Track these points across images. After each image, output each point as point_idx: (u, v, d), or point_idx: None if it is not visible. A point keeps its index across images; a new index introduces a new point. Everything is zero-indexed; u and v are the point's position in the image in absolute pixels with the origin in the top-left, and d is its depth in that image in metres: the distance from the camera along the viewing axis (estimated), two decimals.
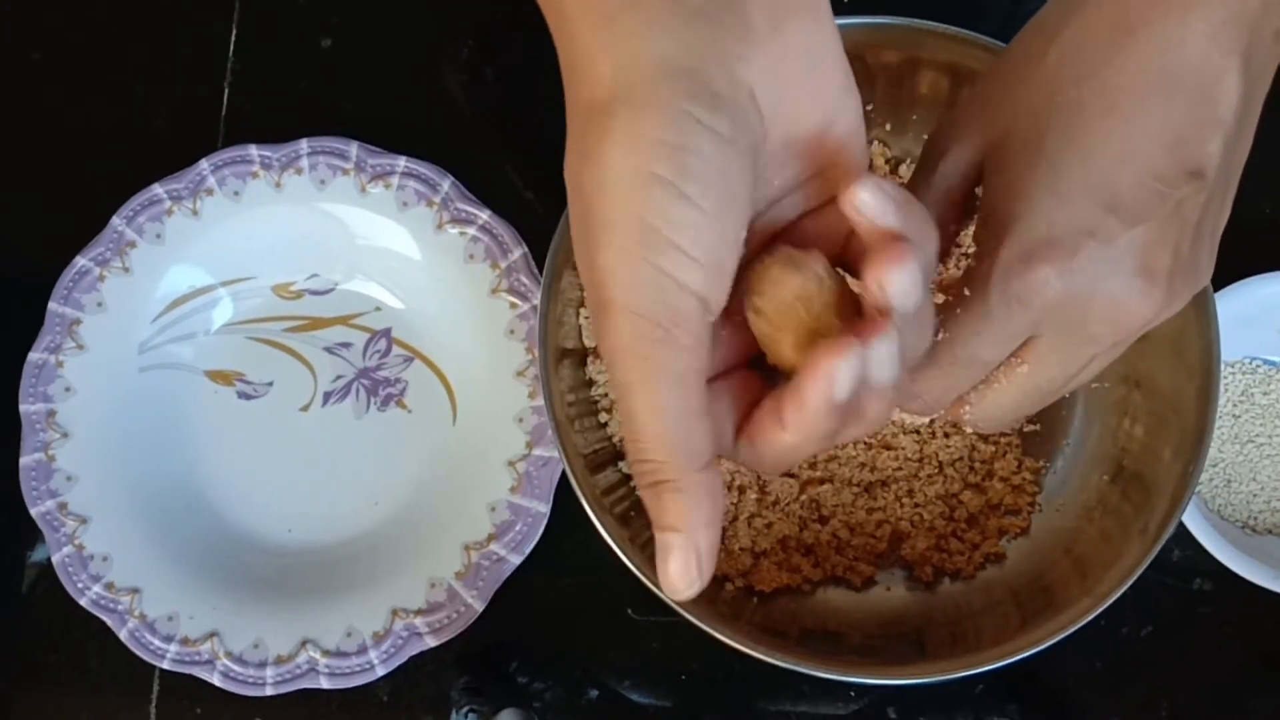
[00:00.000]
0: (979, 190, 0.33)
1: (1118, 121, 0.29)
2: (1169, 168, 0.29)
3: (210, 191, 0.54)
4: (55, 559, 0.51)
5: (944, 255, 0.34)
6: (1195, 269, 0.31)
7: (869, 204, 0.26)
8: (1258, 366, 0.53)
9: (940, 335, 0.32)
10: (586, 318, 0.51)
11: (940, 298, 0.34)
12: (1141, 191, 0.29)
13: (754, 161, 0.27)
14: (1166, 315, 0.31)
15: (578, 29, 0.27)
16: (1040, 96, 0.31)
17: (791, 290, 0.27)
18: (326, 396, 0.55)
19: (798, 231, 0.30)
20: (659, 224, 0.25)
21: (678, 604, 0.43)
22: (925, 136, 0.51)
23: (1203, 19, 0.29)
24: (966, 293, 0.32)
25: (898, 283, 0.25)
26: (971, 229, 0.34)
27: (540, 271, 0.48)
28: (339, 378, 0.55)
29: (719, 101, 0.25)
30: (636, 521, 0.49)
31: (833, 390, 0.25)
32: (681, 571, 0.27)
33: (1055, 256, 0.30)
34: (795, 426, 0.26)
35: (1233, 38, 0.29)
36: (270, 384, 0.55)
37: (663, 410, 0.26)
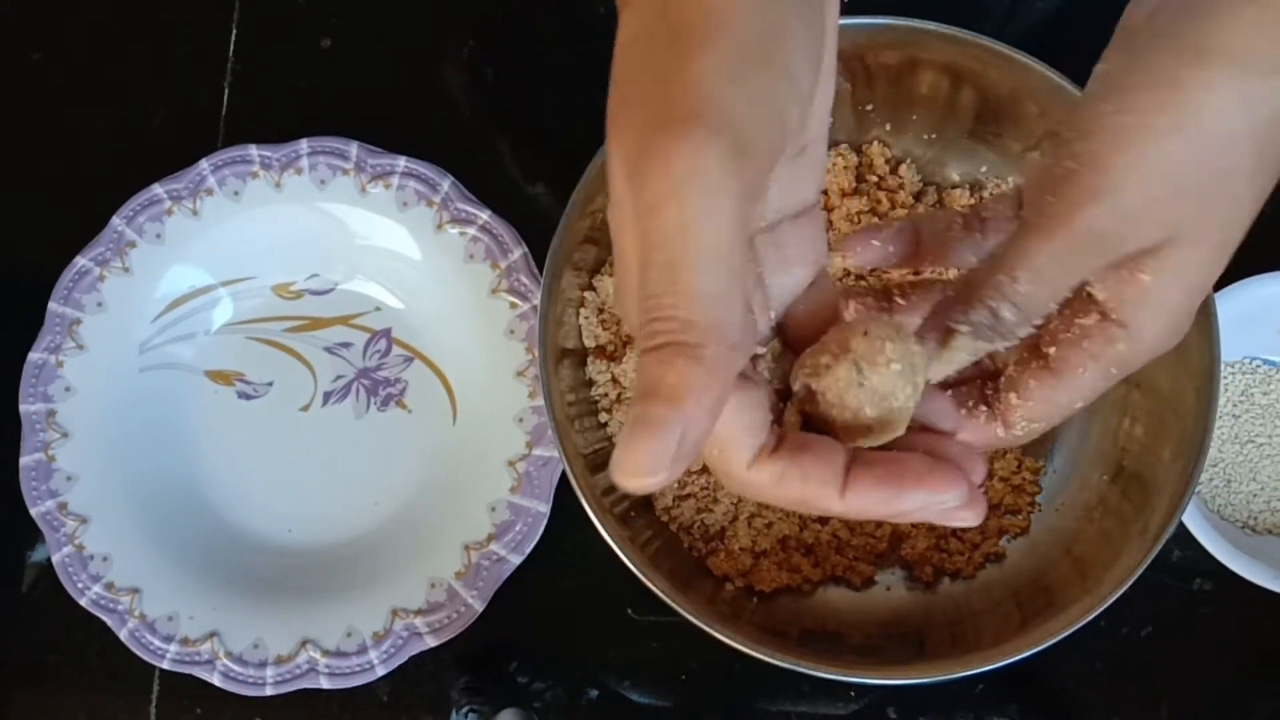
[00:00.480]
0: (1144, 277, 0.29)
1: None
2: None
3: (210, 191, 0.54)
4: (55, 559, 0.51)
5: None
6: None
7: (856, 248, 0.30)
8: (1258, 366, 0.53)
9: (1079, 405, 0.30)
10: (586, 318, 0.51)
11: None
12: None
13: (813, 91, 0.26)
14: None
15: None
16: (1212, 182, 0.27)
17: (886, 386, 0.26)
18: (326, 396, 0.55)
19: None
20: (782, 39, 0.23)
21: (677, 604, 0.43)
22: (925, 137, 0.51)
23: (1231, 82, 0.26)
24: (1114, 372, 0.29)
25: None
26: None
27: (540, 271, 0.48)
28: (339, 378, 0.55)
29: (788, 73, 0.24)
30: (636, 521, 0.49)
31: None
32: (655, 453, 0.21)
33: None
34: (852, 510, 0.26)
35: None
36: (270, 384, 0.55)
37: (720, 258, 0.22)
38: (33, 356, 0.53)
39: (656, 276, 0.22)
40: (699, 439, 0.22)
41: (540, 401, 0.51)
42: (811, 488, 0.26)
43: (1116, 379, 0.30)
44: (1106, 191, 0.27)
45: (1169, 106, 0.26)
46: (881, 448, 0.27)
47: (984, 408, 0.31)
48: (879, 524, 0.51)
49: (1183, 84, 0.26)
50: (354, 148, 0.54)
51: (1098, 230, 0.27)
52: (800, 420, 0.28)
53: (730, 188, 0.22)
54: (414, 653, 0.51)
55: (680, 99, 0.22)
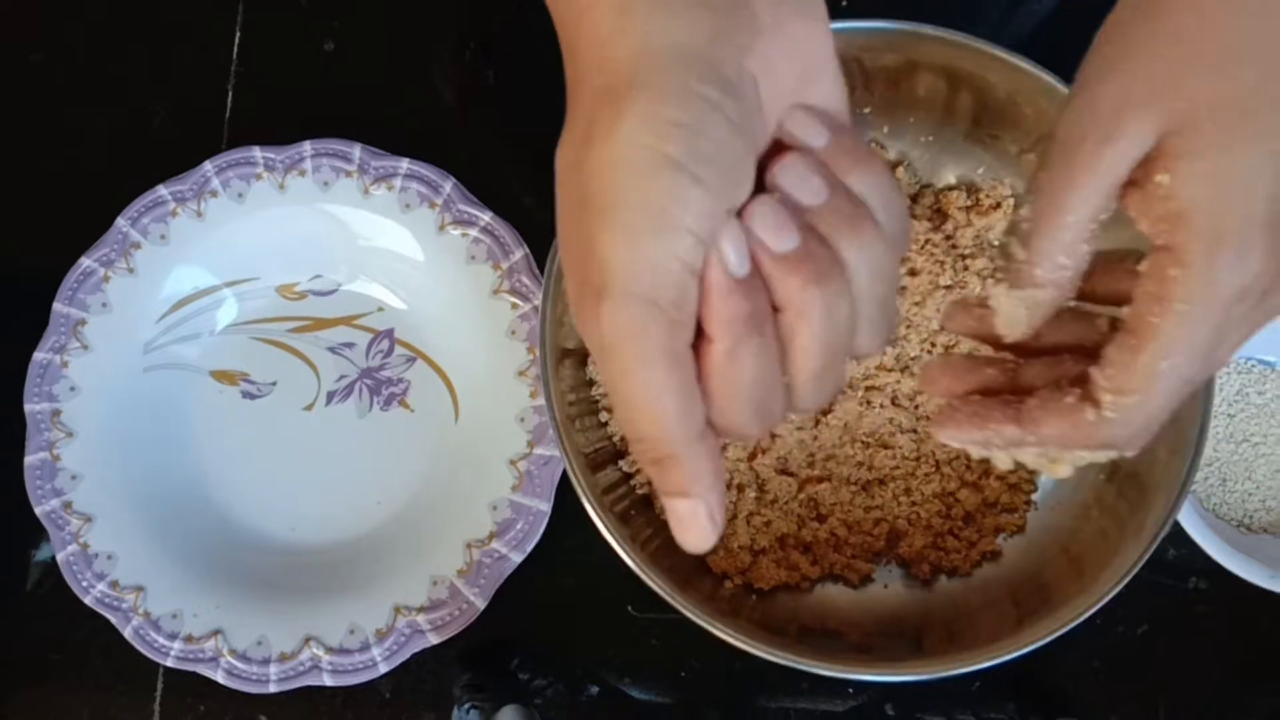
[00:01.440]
0: (1162, 179, 0.28)
1: None
2: None
3: (214, 193, 0.54)
4: (60, 557, 0.52)
5: (1093, 250, 0.30)
6: None
7: (797, 119, 0.28)
8: (1253, 366, 0.54)
9: (1163, 364, 0.27)
10: None
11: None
12: None
13: (755, 148, 0.27)
14: None
15: (590, 17, 0.27)
16: (1246, 58, 0.27)
17: None
18: (330, 396, 0.55)
19: None
20: (672, 206, 0.25)
21: (677, 601, 0.43)
22: (922, 139, 0.52)
23: None
24: (1182, 306, 0.27)
25: (785, 175, 0.27)
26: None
27: (541, 272, 0.48)
28: (342, 377, 0.55)
29: (729, 87, 0.26)
30: (637, 520, 0.49)
31: (727, 260, 0.26)
32: (699, 527, 0.27)
33: (1268, 240, 0.27)
34: (714, 325, 0.26)
35: None
36: (274, 384, 0.55)
37: (663, 390, 0.26)
38: (38, 356, 0.53)
39: (621, 413, 0.27)
40: (721, 496, 0.27)
41: (541, 401, 0.52)
42: None
43: (1199, 321, 0.27)
44: (1084, 86, 0.29)
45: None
46: None
47: (1075, 389, 0.29)
48: (877, 522, 0.51)
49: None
50: (357, 150, 0.54)
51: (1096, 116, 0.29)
52: None
53: (652, 334, 0.25)
54: (416, 650, 0.51)
55: (594, 272, 0.26)
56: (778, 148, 0.28)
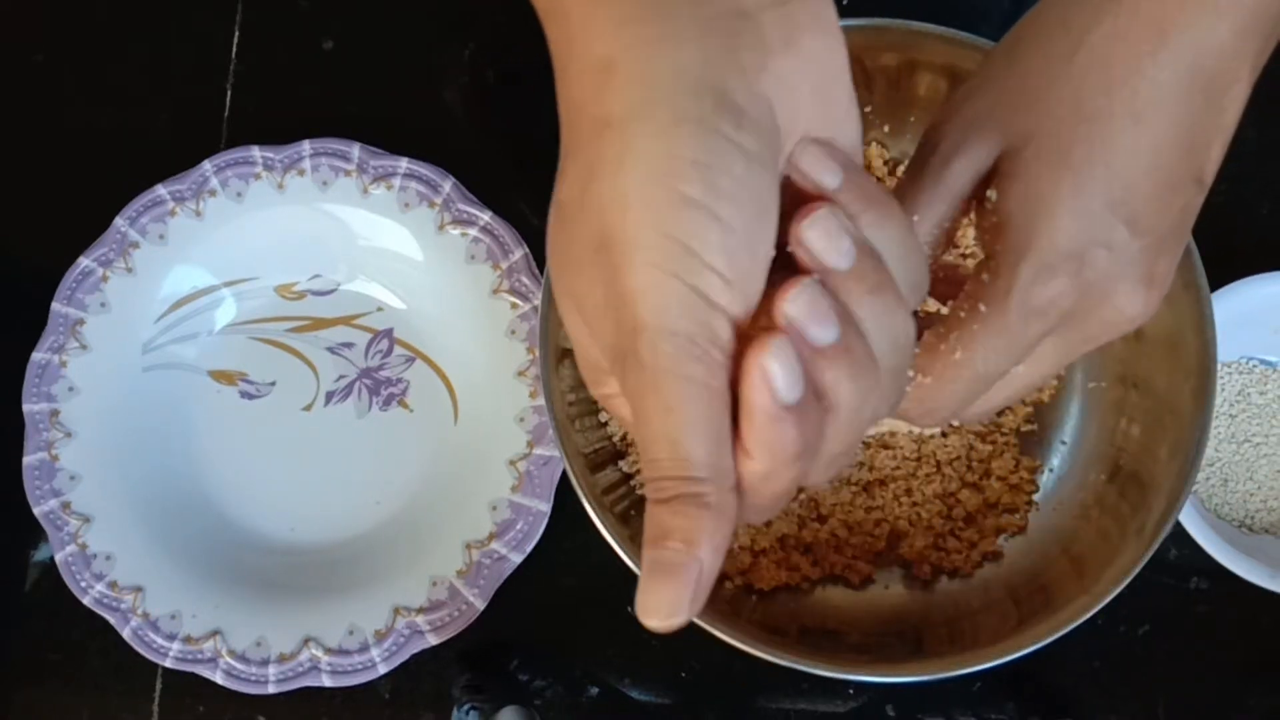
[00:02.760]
0: (991, 194, 0.32)
1: (1144, 133, 0.29)
2: (1180, 176, 0.30)
3: (213, 192, 0.54)
4: (58, 558, 0.52)
5: (941, 253, 0.34)
6: (1173, 273, 0.32)
7: (808, 157, 0.26)
8: (1254, 366, 0.54)
9: (958, 354, 0.31)
10: None
11: (934, 318, 0.34)
12: (1156, 204, 0.30)
13: (777, 177, 0.26)
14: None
15: (582, 37, 0.25)
16: (1067, 104, 0.30)
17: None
18: (329, 396, 0.55)
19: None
20: (695, 245, 0.24)
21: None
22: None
23: (1229, 25, 0.28)
24: (983, 308, 0.31)
25: (813, 232, 0.25)
26: (968, 228, 0.34)
27: (541, 272, 0.48)
28: (341, 377, 0.55)
29: (744, 117, 0.24)
30: (636, 520, 0.49)
31: (774, 385, 0.23)
32: (676, 596, 0.24)
33: (1073, 269, 0.30)
34: (756, 446, 0.24)
35: (1248, 45, 0.29)
36: (273, 384, 0.55)
37: (705, 426, 0.24)
38: (36, 356, 0.53)
39: (655, 446, 0.24)
40: (711, 577, 0.24)
41: (541, 401, 0.52)
42: None
43: (994, 322, 0.31)
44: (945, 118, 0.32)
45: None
46: None
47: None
48: (878, 523, 0.51)
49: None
50: (356, 149, 0.54)
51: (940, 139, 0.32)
52: None
53: (694, 371, 0.24)
54: (415, 650, 0.51)
55: (623, 313, 0.24)
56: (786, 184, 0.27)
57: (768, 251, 0.25)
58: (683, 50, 0.24)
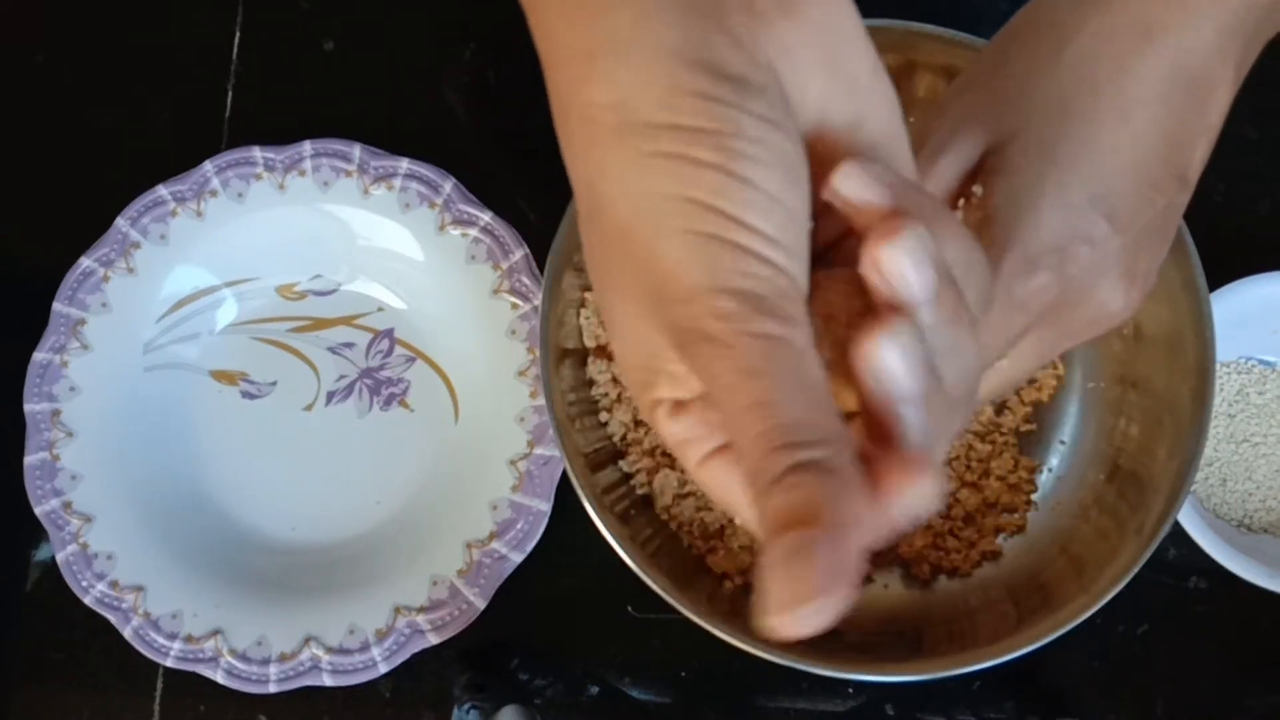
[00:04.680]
0: (976, 189, 0.32)
1: (1128, 131, 0.30)
2: (1162, 175, 0.30)
3: (214, 193, 0.54)
4: (59, 557, 0.52)
5: None
6: (1156, 271, 0.32)
7: (851, 181, 0.22)
8: (1253, 366, 0.54)
9: None
10: (587, 318, 0.51)
11: None
12: (1138, 200, 0.30)
13: (800, 142, 0.23)
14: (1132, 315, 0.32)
15: (560, 27, 0.23)
16: (1053, 101, 0.30)
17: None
18: (330, 396, 0.55)
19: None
20: (723, 205, 0.21)
21: (677, 601, 0.43)
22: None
23: (1213, 26, 0.29)
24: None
25: (894, 261, 0.21)
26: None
27: (541, 272, 0.48)
28: (342, 377, 0.55)
29: (745, 85, 0.22)
30: (637, 520, 0.49)
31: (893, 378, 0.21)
32: (824, 582, 0.19)
33: (1055, 264, 0.30)
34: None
35: (1232, 46, 0.29)
36: (274, 384, 0.55)
37: (800, 384, 0.21)
38: (37, 356, 0.53)
39: (748, 420, 0.21)
40: (852, 559, 0.20)
41: (541, 401, 0.52)
42: None
43: (985, 323, 0.27)
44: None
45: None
46: None
47: None
48: None
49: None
50: (356, 149, 0.54)
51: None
52: None
53: (767, 326, 0.21)
54: (416, 650, 0.51)
55: (675, 290, 0.22)
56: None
57: (804, 219, 0.23)
58: (666, 29, 0.22)
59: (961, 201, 0.33)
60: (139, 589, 0.52)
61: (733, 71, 0.22)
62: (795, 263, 0.22)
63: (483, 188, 0.54)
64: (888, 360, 0.21)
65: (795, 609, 0.19)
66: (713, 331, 0.21)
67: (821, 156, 0.24)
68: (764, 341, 0.21)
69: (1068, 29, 0.31)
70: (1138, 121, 0.30)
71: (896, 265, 0.21)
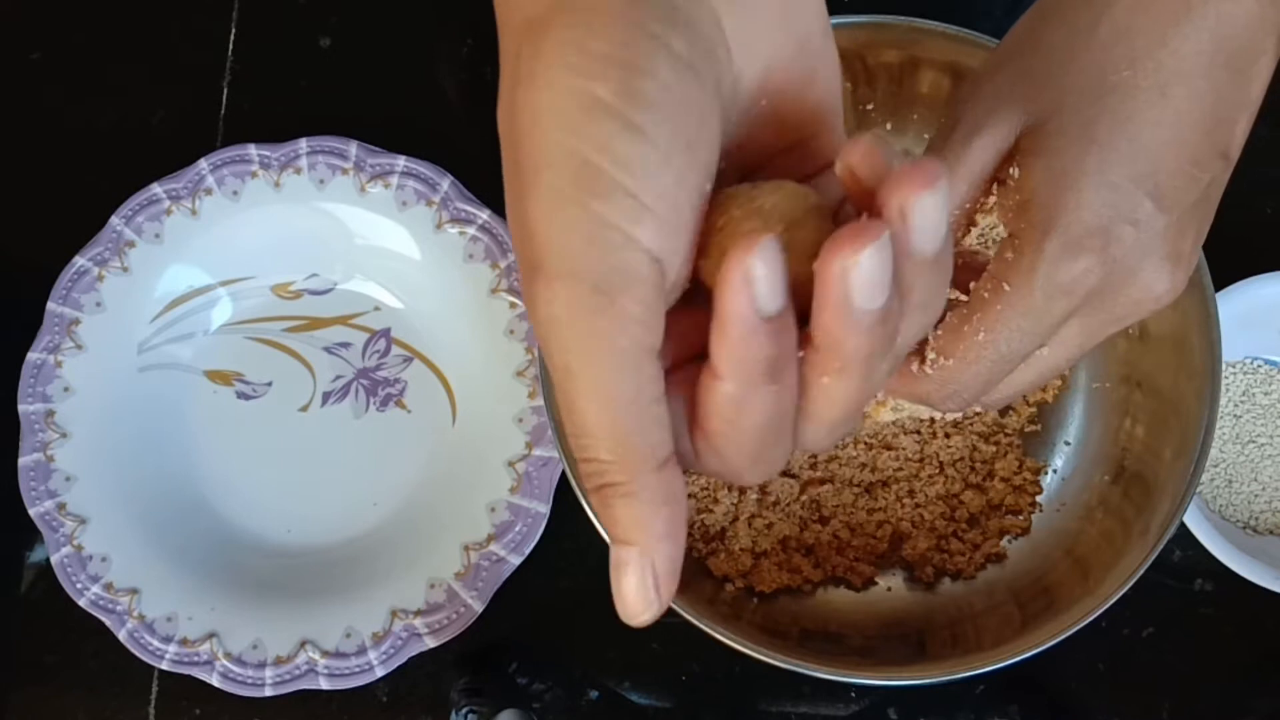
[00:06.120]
0: (1014, 171, 0.31)
1: (1168, 106, 0.29)
2: (1205, 151, 0.29)
3: (209, 191, 0.54)
4: (54, 559, 0.51)
5: (962, 236, 0.33)
6: (1200, 250, 0.31)
7: (862, 155, 0.21)
8: (1259, 366, 0.53)
9: (981, 335, 0.30)
10: None
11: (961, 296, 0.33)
12: (1181, 178, 0.29)
13: (721, 99, 0.22)
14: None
15: None
16: (1090, 77, 0.29)
17: (766, 211, 0.21)
18: (326, 396, 0.55)
19: None
20: (601, 160, 0.20)
21: (677, 604, 0.43)
22: (926, 136, 0.51)
23: None
24: (1007, 287, 0.30)
25: (923, 210, 0.20)
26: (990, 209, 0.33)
27: None
28: (338, 378, 0.55)
29: (676, 15, 0.21)
30: None
31: (753, 291, 0.20)
32: (637, 592, 0.23)
33: (1099, 246, 0.29)
34: (725, 362, 0.21)
35: (1273, 14, 0.28)
36: (269, 384, 0.55)
37: (610, 397, 0.21)
38: (31, 356, 0.53)
39: (565, 412, 0.22)
40: (673, 557, 0.23)
41: (540, 402, 0.51)
42: None
43: (1019, 301, 0.29)
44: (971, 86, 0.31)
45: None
46: None
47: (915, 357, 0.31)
48: (880, 525, 0.51)
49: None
50: (353, 147, 0.54)
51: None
52: None
53: (600, 328, 0.21)
54: (413, 653, 0.51)
55: (526, 248, 0.21)
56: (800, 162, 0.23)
57: (700, 183, 0.22)
58: None
59: (997, 185, 0.32)
60: (134, 591, 0.51)
61: (621, 179, 0.21)
62: (667, 235, 0.21)
63: (480, 185, 0.54)
64: (866, 266, 0.20)
65: (627, 618, 0.23)
66: (539, 316, 0.21)
67: (765, 113, 0.23)
68: (586, 340, 0.21)
69: (1102, 2, 0.30)
70: (1179, 96, 0.29)
71: (932, 213, 0.20)
